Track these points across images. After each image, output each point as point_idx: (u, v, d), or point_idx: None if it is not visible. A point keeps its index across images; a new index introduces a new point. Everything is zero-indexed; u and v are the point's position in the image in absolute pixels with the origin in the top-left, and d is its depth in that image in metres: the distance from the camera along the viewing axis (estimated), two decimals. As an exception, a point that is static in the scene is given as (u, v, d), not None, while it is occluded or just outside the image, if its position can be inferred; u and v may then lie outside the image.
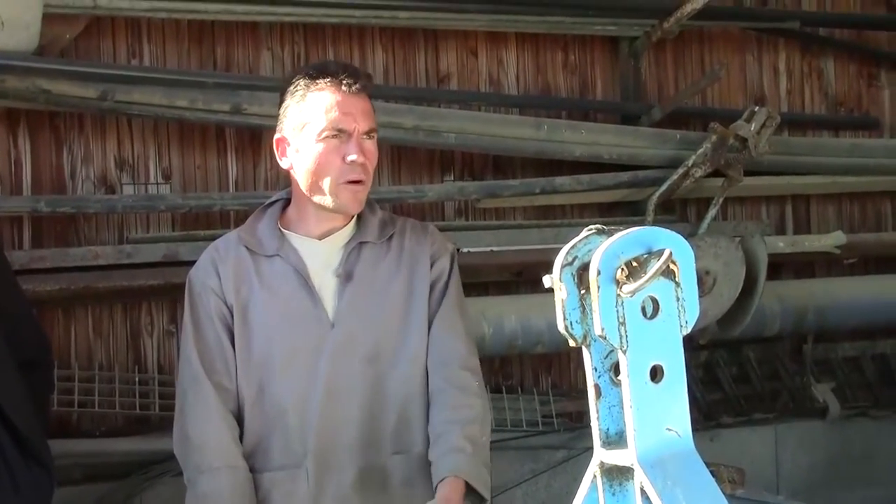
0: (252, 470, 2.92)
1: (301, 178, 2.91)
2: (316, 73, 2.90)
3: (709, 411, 5.50)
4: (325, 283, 2.93)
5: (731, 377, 5.67)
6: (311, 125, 2.86)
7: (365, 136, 2.88)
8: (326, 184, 2.87)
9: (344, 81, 2.86)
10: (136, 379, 4.56)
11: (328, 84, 2.87)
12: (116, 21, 4.61)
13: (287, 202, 3.03)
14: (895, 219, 6.17)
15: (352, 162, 2.85)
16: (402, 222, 3.07)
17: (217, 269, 2.96)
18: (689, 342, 5.22)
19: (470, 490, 2.86)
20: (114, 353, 4.62)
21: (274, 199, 3.07)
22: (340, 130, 2.85)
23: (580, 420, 5.10)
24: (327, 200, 2.89)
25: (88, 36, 4.56)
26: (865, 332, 5.91)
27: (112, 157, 4.62)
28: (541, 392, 5.23)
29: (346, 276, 2.92)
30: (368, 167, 2.89)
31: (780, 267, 5.67)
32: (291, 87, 2.91)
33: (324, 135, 2.85)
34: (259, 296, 2.92)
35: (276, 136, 2.96)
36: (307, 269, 2.92)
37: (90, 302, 4.56)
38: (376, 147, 2.93)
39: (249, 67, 4.84)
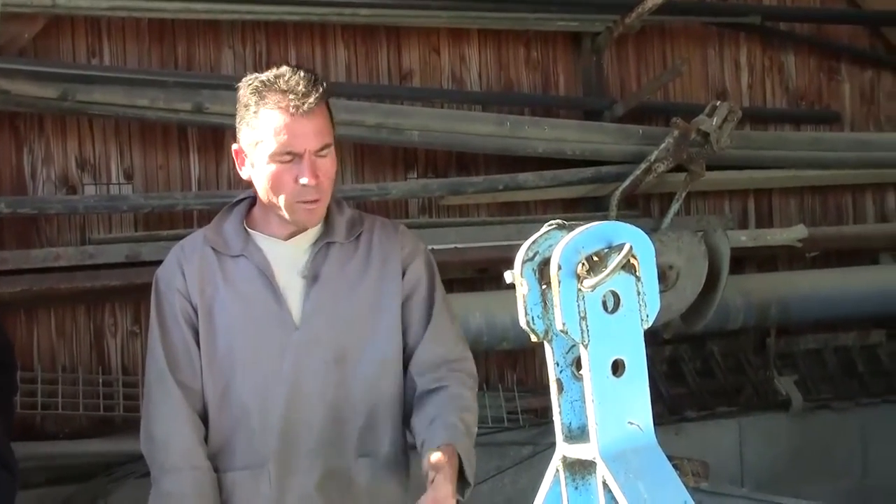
0: (216, 469, 2.90)
1: (259, 191, 2.88)
2: (265, 87, 2.83)
3: (673, 405, 5.53)
4: (291, 283, 2.91)
5: (695, 371, 5.70)
6: (262, 145, 2.81)
7: (319, 153, 2.84)
8: (282, 202, 2.84)
9: (293, 102, 2.79)
10: (100, 380, 4.54)
11: (277, 103, 2.79)
12: (76, 20, 4.58)
13: (254, 201, 3.01)
14: (856, 212, 6.22)
15: (304, 185, 2.81)
16: (370, 221, 3.04)
17: (182, 268, 2.93)
18: (653, 337, 5.27)
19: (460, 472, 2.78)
20: (77, 355, 4.60)
21: (241, 197, 3.04)
22: (291, 153, 2.80)
23: (545, 416, 5.11)
24: (285, 215, 2.86)
25: (47, 35, 4.53)
26: (827, 324, 5.96)
27: (73, 157, 4.60)
28: (506, 388, 5.24)
29: (312, 276, 2.90)
30: (323, 186, 2.83)
31: (743, 261, 5.70)
32: (243, 100, 2.85)
33: (275, 157, 2.81)
34: (224, 296, 2.90)
35: (234, 146, 2.92)
36: (272, 269, 2.90)
37: (53, 303, 4.53)
38: (333, 158, 2.87)
39: (211, 66, 4.82)
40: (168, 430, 2.87)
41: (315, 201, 2.83)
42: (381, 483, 2.94)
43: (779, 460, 5.67)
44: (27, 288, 4.33)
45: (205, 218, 4.36)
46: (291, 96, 2.76)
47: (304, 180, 2.78)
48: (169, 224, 4.64)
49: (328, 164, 2.84)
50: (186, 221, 4.65)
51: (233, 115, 2.95)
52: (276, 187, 2.81)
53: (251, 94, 2.83)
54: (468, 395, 2.95)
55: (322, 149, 2.81)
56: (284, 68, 2.85)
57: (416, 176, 5.16)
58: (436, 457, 2.72)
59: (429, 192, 5.07)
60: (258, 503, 2.88)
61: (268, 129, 2.79)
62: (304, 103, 2.76)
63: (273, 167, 2.80)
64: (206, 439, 2.91)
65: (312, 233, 2.94)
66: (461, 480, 2.79)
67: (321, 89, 2.82)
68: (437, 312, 2.98)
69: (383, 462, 2.95)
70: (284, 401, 2.86)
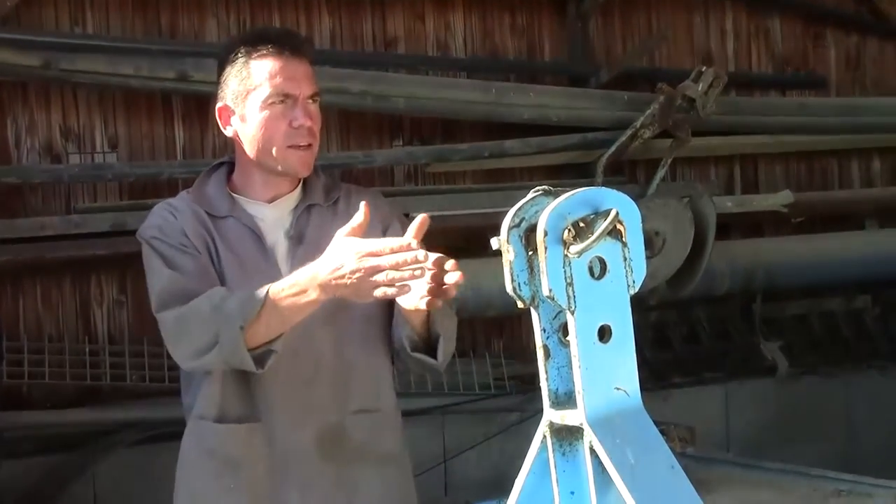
0: (212, 419, 2.90)
1: (247, 146, 2.89)
2: (256, 39, 2.87)
3: (660, 371, 5.54)
4: (278, 244, 2.93)
5: (682, 337, 5.71)
6: (255, 93, 2.84)
7: (310, 101, 2.87)
8: (274, 150, 2.86)
9: (286, 47, 2.84)
10: (87, 349, 4.53)
11: (270, 50, 2.84)
12: (58, -12, 4.56)
13: (232, 166, 3.01)
14: (842, 177, 6.23)
15: (299, 126, 2.84)
16: (346, 187, 3.08)
17: (175, 216, 2.93)
18: (640, 303, 5.28)
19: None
20: (63, 324, 4.59)
21: (218, 162, 3.05)
22: (286, 96, 2.84)
23: (532, 382, 5.11)
24: (276, 165, 2.88)
25: (29, 4, 4.50)
26: (813, 290, 5.97)
27: (57, 126, 4.58)
28: (493, 355, 5.25)
29: (297, 237, 2.92)
30: (315, 130, 2.88)
31: (729, 227, 5.70)
32: (231, 56, 2.88)
33: (269, 101, 2.83)
34: (219, 254, 2.91)
35: (218, 104, 2.93)
36: (261, 229, 2.92)
37: (38, 273, 4.52)
38: (320, 112, 2.92)
39: (195, 34, 4.79)
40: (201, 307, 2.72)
41: (308, 146, 2.85)
42: (377, 439, 2.96)
43: (764, 425, 5.69)
44: (12, 258, 4.32)
45: (190, 186, 4.33)
46: (284, 40, 2.81)
47: (299, 121, 2.81)
48: (154, 193, 4.62)
49: (318, 113, 2.88)
50: (171, 190, 4.61)
51: (217, 84, 2.95)
52: (268, 134, 2.83)
53: (238, 46, 2.85)
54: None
55: (313, 95, 2.85)
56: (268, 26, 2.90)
57: (401, 143, 5.15)
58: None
59: (414, 160, 5.06)
60: (254, 457, 2.89)
61: (261, 75, 2.82)
62: (296, 47, 2.82)
63: (266, 113, 2.82)
64: (203, 390, 2.89)
65: (294, 196, 2.96)
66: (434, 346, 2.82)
67: (309, 41, 2.90)
68: None
69: (378, 418, 2.97)
70: (278, 359, 2.87)
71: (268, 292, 2.65)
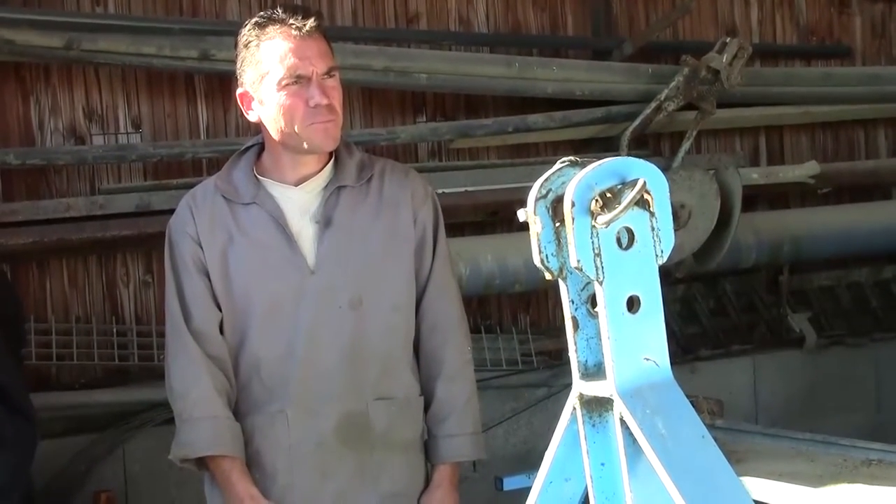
0: (239, 413, 2.92)
1: (270, 128, 2.88)
2: (265, 21, 2.85)
3: (687, 344, 5.53)
4: (304, 229, 2.91)
5: (709, 310, 5.69)
6: (269, 76, 2.83)
7: (325, 77, 2.84)
8: (296, 128, 2.84)
9: (294, 26, 2.81)
10: (114, 330, 4.55)
11: (278, 31, 2.82)
12: (79, -32, 4.55)
13: (262, 148, 3.01)
14: (868, 147, 6.19)
15: (316, 105, 2.81)
16: (381, 164, 3.04)
17: (193, 216, 2.94)
18: (666, 276, 5.26)
19: None
20: (90, 305, 4.60)
21: (249, 144, 3.04)
22: (299, 76, 2.81)
23: (559, 358, 5.12)
24: (302, 144, 2.86)
25: (51, -16, 4.51)
26: (840, 261, 5.94)
27: (80, 107, 4.58)
28: (520, 331, 5.24)
29: (325, 221, 2.90)
30: (334, 106, 2.85)
31: (755, 198, 5.68)
32: (243, 40, 2.87)
33: (283, 83, 2.81)
34: (237, 245, 2.91)
35: (238, 91, 2.93)
36: (284, 216, 2.90)
37: (64, 254, 4.54)
38: (339, 84, 2.90)
39: (216, 13, 4.79)
40: (185, 382, 2.88)
41: (329, 120, 2.84)
42: (397, 426, 2.97)
43: (793, 397, 5.68)
44: (38, 239, 4.33)
45: (214, 166, 4.35)
46: (291, 21, 2.81)
47: (315, 100, 2.80)
48: (178, 173, 4.63)
49: (336, 86, 2.86)
50: (195, 170, 4.64)
51: (236, 69, 2.95)
52: (288, 116, 2.82)
53: (249, 31, 2.86)
54: (468, 372, 3.06)
55: (329, 71, 2.83)
56: (278, 7, 2.88)
57: (424, 119, 5.14)
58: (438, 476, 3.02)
59: (438, 136, 5.05)
60: (276, 447, 2.90)
61: (273, 58, 2.81)
62: (304, 25, 2.81)
63: (283, 95, 2.81)
64: (231, 382, 2.94)
65: (323, 177, 2.94)
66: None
67: (319, 16, 2.86)
68: (440, 262, 3.01)
69: (398, 405, 2.97)
70: (303, 347, 2.88)
71: (218, 461, 2.88)
